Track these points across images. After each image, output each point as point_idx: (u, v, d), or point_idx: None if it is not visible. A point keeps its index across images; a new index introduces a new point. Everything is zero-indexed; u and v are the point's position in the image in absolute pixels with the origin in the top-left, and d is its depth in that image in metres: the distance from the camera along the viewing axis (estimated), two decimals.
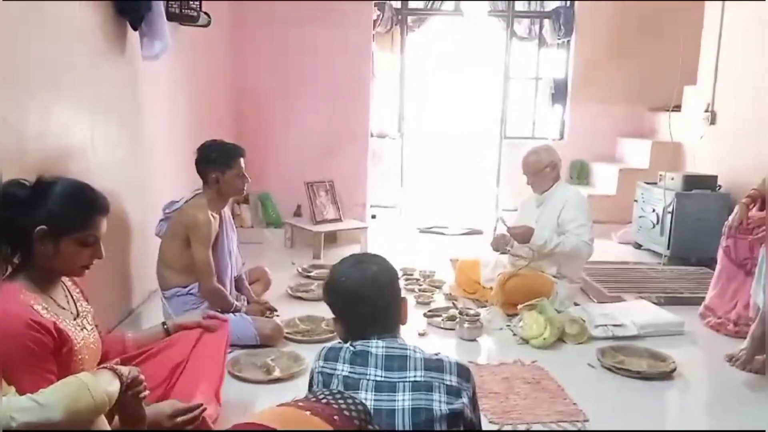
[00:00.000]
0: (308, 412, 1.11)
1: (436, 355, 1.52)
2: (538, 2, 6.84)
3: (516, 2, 6.79)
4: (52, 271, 1.70)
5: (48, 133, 2.30)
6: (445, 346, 3.28)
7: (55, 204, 1.63)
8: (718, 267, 3.66)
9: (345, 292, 1.56)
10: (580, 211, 3.60)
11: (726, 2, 5.16)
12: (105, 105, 2.86)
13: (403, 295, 1.67)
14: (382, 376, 1.45)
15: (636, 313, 3.60)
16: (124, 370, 1.43)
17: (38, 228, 1.60)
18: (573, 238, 3.52)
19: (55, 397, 1.22)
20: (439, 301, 3.95)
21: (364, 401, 1.36)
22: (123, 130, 3.10)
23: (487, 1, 6.79)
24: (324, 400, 1.17)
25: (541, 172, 3.70)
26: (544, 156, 3.71)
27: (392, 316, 1.58)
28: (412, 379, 1.44)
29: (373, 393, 1.43)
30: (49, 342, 1.56)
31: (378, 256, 1.65)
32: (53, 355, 1.56)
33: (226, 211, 3.31)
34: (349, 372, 1.47)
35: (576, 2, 6.60)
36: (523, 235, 3.58)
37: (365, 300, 1.54)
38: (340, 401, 1.17)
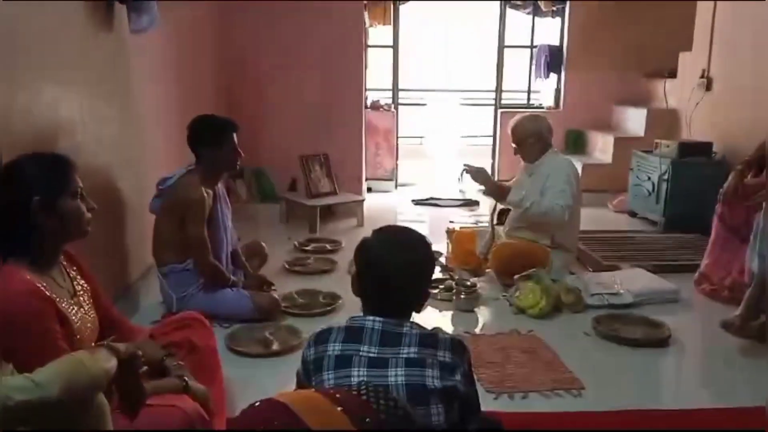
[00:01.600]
0: (340, 408, 1.03)
1: (432, 330, 1.51)
2: None
3: None
4: (49, 247, 1.70)
5: (36, 110, 2.27)
6: (442, 317, 3.30)
7: (34, 174, 1.68)
8: (713, 234, 3.67)
9: (370, 263, 1.51)
10: (562, 177, 3.60)
11: None
12: (94, 81, 2.82)
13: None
14: (375, 352, 1.44)
15: (631, 281, 3.62)
16: (121, 346, 1.43)
17: (34, 199, 1.63)
18: (547, 201, 3.54)
19: (52, 376, 1.22)
20: (435, 272, 3.95)
21: (357, 377, 1.34)
22: (113, 106, 3.06)
23: None
24: (363, 396, 1.08)
25: (525, 141, 3.70)
26: (528, 126, 3.69)
27: (406, 303, 1.54)
28: (405, 355, 1.43)
29: (366, 369, 1.42)
30: (53, 314, 1.60)
31: (422, 241, 1.56)
32: None
33: (220, 186, 3.30)
34: (341, 350, 1.46)
35: None
36: (481, 175, 3.76)
37: (385, 281, 1.49)
38: (381, 402, 1.06)
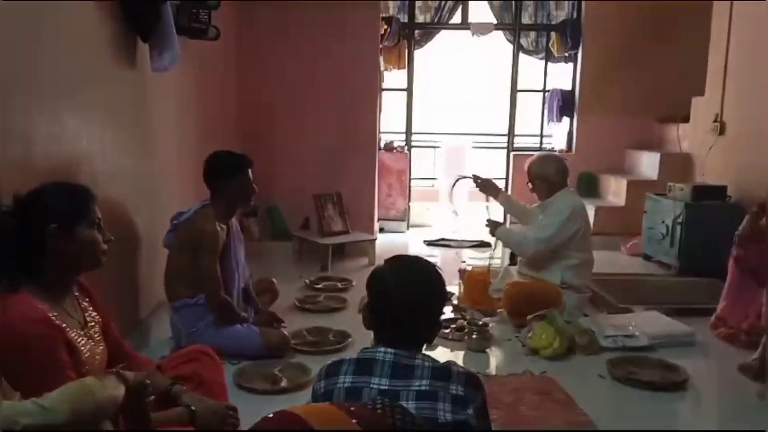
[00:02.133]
0: (354, 420, 1.00)
1: (445, 364, 1.49)
2: (545, 15, 6.86)
3: (522, 15, 6.82)
4: (65, 276, 1.73)
5: (57, 143, 2.32)
6: (454, 358, 3.25)
7: (53, 202, 1.70)
8: (729, 277, 3.62)
9: (382, 293, 1.50)
10: (553, 213, 3.69)
11: (733, 12, 5.16)
12: (115, 115, 2.88)
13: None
14: (386, 385, 1.42)
15: (646, 323, 3.56)
16: (130, 374, 1.42)
17: (50, 227, 1.66)
18: (525, 231, 3.72)
19: (60, 402, 1.22)
20: (447, 312, 3.92)
21: None
22: (132, 141, 3.12)
23: (493, 16, 6.82)
24: (380, 410, 1.05)
25: (534, 182, 3.81)
26: (536, 168, 3.81)
27: (418, 335, 1.53)
28: (417, 387, 1.41)
29: None
30: (62, 342, 1.60)
31: (435, 272, 1.55)
32: None
33: (234, 222, 3.32)
34: (352, 382, 1.44)
35: (582, 15, 6.62)
36: (491, 187, 4.03)
37: (397, 311, 1.48)
38: (397, 416, 1.04)
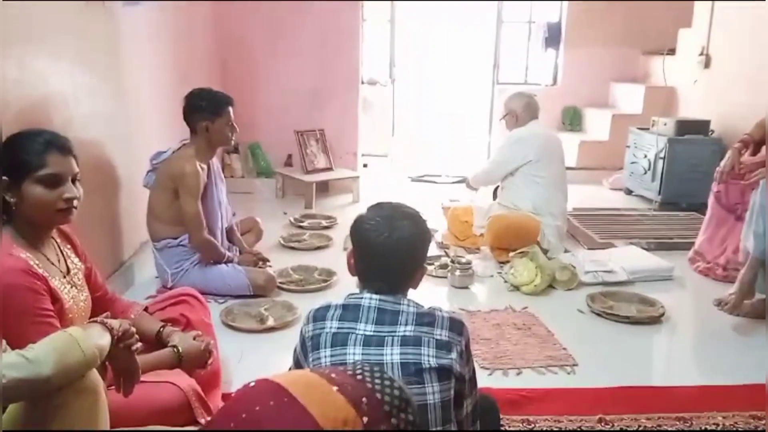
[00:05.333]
0: (336, 388, 1.00)
1: (430, 308, 1.50)
2: None
3: None
4: (36, 225, 1.67)
5: (27, 84, 2.24)
6: (437, 294, 3.31)
7: (7, 151, 1.60)
8: (708, 212, 3.67)
9: (366, 240, 1.49)
10: (505, 141, 3.95)
11: None
12: (86, 55, 2.77)
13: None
14: (371, 331, 1.43)
15: (626, 258, 3.63)
16: (115, 323, 1.42)
17: (3, 179, 1.58)
18: None
19: (45, 353, 1.22)
20: (430, 249, 3.94)
21: (353, 356, 1.33)
22: (106, 81, 3.02)
23: None
24: (359, 376, 1.05)
25: (504, 117, 3.95)
26: (507, 103, 3.95)
27: (403, 279, 1.53)
28: (401, 333, 1.42)
29: (362, 347, 1.42)
30: (45, 292, 1.58)
31: (417, 217, 1.54)
32: None
33: (215, 161, 3.27)
34: (338, 328, 1.46)
35: None
36: None
37: (381, 257, 1.49)
38: (377, 381, 1.03)
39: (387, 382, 1.03)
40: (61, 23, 2.53)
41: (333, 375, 1.03)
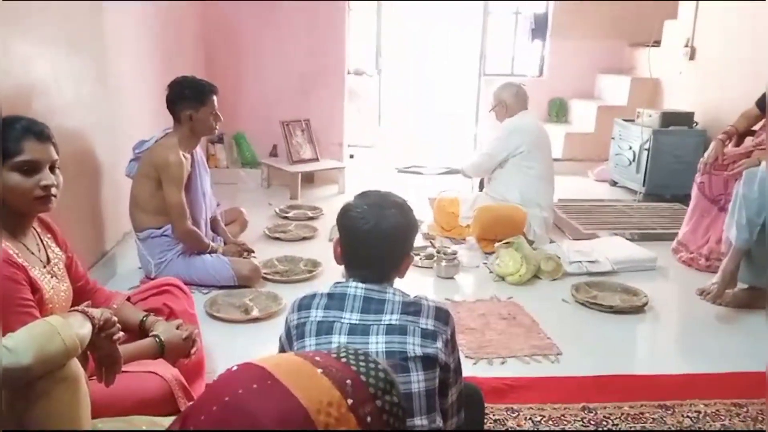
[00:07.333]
0: (320, 370, 0.99)
1: (416, 297, 1.50)
2: None
3: None
4: (15, 213, 1.64)
5: (9, 71, 2.19)
6: (423, 285, 3.31)
7: None
8: (692, 203, 3.70)
9: (352, 228, 1.48)
10: (498, 132, 3.94)
11: None
12: (68, 41, 2.73)
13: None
14: (357, 319, 1.43)
15: (610, 249, 3.65)
16: (96, 312, 1.40)
17: None
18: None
19: (24, 342, 1.20)
20: (417, 239, 3.95)
21: (339, 344, 1.33)
22: (89, 68, 2.98)
23: None
24: (343, 359, 1.03)
25: (494, 108, 3.96)
26: (497, 93, 3.96)
27: (389, 268, 1.52)
28: (387, 322, 1.42)
29: (347, 336, 1.41)
30: (25, 282, 1.55)
31: (404, 206, 1.53)
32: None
33: (198, 150, 3.24)
34: (323, 317, 1.45)
35: None
36: None
37: (368, 245, 1.48)
38: (361, 364, 1.00)
39: (372, 365, 1.02)
40: (45, 8, 2.48)
41: (317, 358, 1.02)
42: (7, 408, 1.25)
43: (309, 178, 5.30)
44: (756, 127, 3.62)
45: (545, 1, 6.64)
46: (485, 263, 3.57)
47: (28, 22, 2.36)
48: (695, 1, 5.21)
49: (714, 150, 3.53)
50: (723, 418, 2.16)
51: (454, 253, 3.46)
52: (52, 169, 1.66)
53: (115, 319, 1.46)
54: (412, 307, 1.45)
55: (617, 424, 2.11)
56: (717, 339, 2.79)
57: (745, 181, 2.93)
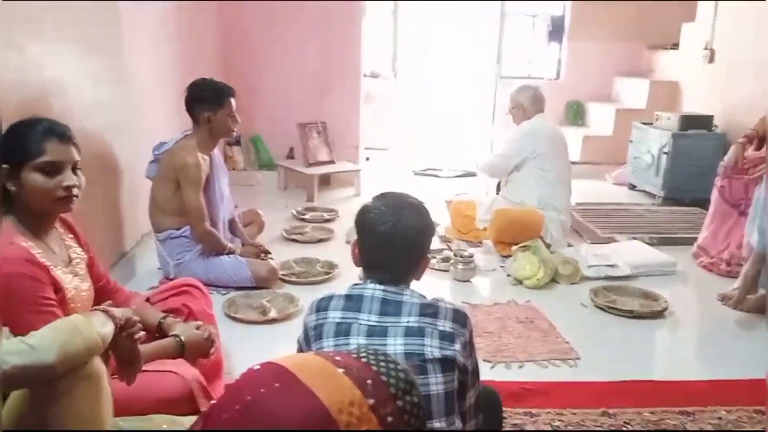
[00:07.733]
0: (341, 370, 0.99)
1: (434, 299, 1.49)
2: None
3: None
4: (38, 214, 1.66)
5: (29, 71, 2.22)
6: (439, 287, 3.30)
7: (7, 140, 1.59)
8: (711, 207, 3.66)
9: (370, 229, 1.48)
10: (514, 134, 3.93)
11: None
12: (88, 43, 2.76)
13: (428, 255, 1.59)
14: (375, 321, 1.42)
15: (629, 253, 3.62)
16: (117, 311, 1.41)
17: (3, 167, 1.57)
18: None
19: (47, 340, 1.21)
20: (433, 242, 3.94)
21: (357, 346, 1.32)
22: (109, 70, 3.01)
23: None
24: (364, 359, 1.03)
25: (511, 111, 3.97)
26: (514, 96, 3.97)
27: (407, 270, 1.52)
28: (405, 324, 1.41)
29: (365, 338, 1.41)
30: (47, 281, 1.57)
31: (422, 208, 1.54)
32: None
33: (216, 152, 3.26)
34: (342, 318, 1.45)
35: None
36: None
37: (385, 246, 1.47)
38: (381, 365, 1.01)
39: (391, 365, 1.02)
40: (64, 10, 2.51)
41: (338, 358, 1.02)
42: (29, 406, 1.26)
43: (325, 181, 5.31)
44: None
45: (563, 1, 6.61)
46: (502, 266, 3.56)
47: (48, 25, 2.39)
48: (714, 1, 5.16)
49: (734, 154, 3.49)
50: (745, 425, 2.13)
51: (471, 256, 3.45)
52: (73, 169, 1.68)
53: (137, 318, 1.47)
54: (429, 309, 1.45)
55: (638, 431, 2.09)
56: (738, 345, 2.75)
57: (767, 185, 2.89)
